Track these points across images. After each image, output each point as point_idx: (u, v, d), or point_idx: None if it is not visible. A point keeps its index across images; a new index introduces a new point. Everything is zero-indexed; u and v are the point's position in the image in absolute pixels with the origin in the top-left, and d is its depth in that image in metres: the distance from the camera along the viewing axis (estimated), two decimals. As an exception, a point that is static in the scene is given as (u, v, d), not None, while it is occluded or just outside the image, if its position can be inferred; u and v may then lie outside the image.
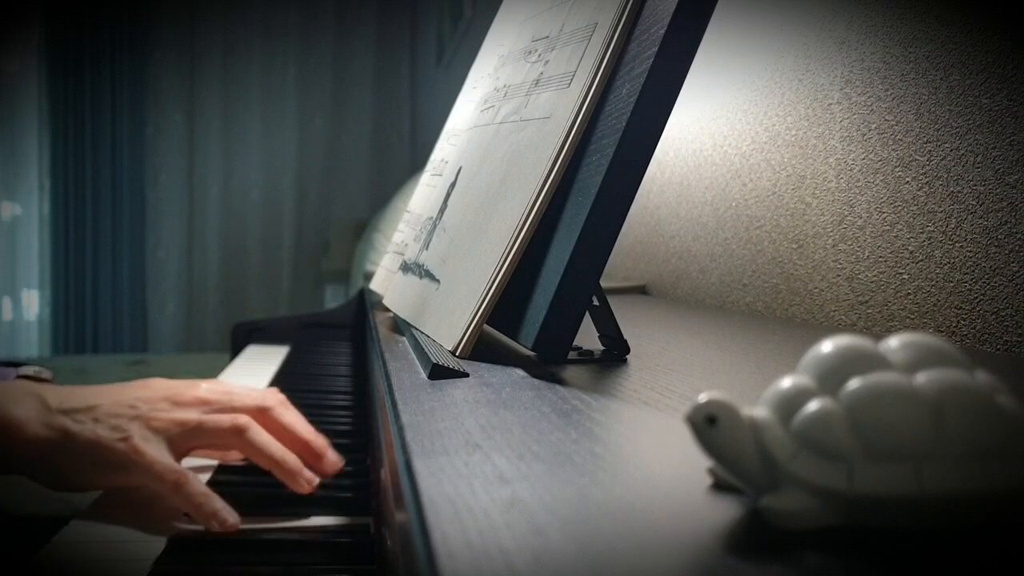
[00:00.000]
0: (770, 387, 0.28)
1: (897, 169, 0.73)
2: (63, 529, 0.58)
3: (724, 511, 0.27)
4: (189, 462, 0.67)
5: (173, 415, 0.64)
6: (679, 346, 0.65)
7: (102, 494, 0.65)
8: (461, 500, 0.28)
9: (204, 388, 0.68)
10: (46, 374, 0.77)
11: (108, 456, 0.61)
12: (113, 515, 0.61)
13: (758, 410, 0.27)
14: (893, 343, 0.28)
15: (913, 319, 0.70)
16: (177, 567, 0.54)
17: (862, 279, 0.77)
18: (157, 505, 0.62)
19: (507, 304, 0.56)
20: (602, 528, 0.26)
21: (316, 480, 0.64)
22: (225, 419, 0.64)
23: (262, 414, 0.66)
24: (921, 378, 0.26)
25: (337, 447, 0.79)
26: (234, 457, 0.71)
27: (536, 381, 0.48)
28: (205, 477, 0.65)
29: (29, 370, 0.76)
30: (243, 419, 0.64)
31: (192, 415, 0.64)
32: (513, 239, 0.56)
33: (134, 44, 4.03)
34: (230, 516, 0.59)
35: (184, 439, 0.63)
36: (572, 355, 0.56)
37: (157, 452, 0.61)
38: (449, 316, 0.60)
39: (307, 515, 0.63)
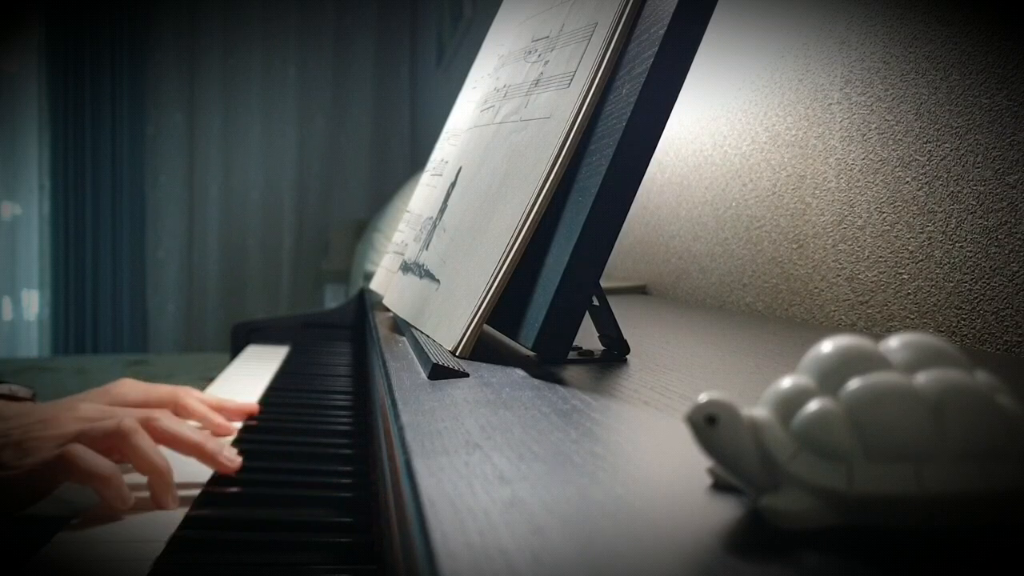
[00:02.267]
0: (770, 387, 0.28)
1: (897, 169, 0.73)
2: (63, 529, 0.58)
3: (724, 511, 0.27)
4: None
5: (47, 432, 0.63)
6: (679, 346, 0.65)
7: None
8: (461, 500, 0.28)
9: (83, 408, 0.67)
10: (23, 392, 0.76)
11: None
12: (113, 515, 0.61)
13: (758, 410, 0.27)
14: (893, 343, 0.28)
15: (913, 319, 0.70)
16: (177, 567, 0.54)
17: (862, 279, 0.77)
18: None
19: (507, 304, 0.56)
20: (602, 528, 0.26)
21: (177, 499, 0.62)
22: (109, 423, 0.63)
23: (145, 424, 0.65)
24: (921, 378, 0.26)
25: (337, 447, 0.79)
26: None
27: (536, 381, 0.48)
28: (195, 492, 0.64)
29: (3, 388, 0.75)
30: (128, 422, 0.63)
31: (70, 429, 0.63)
32: (513, 239, 0.56)
33: (134, 44, 4.03)
34: (127, 497, 0.58)
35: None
36: (572, 355, 0.56)
37: (33, 458, 0.60)
38: (449, 316, 0.60)
39: (306, 515, 0.63)
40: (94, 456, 0.59)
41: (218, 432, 0.80)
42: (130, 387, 0.80)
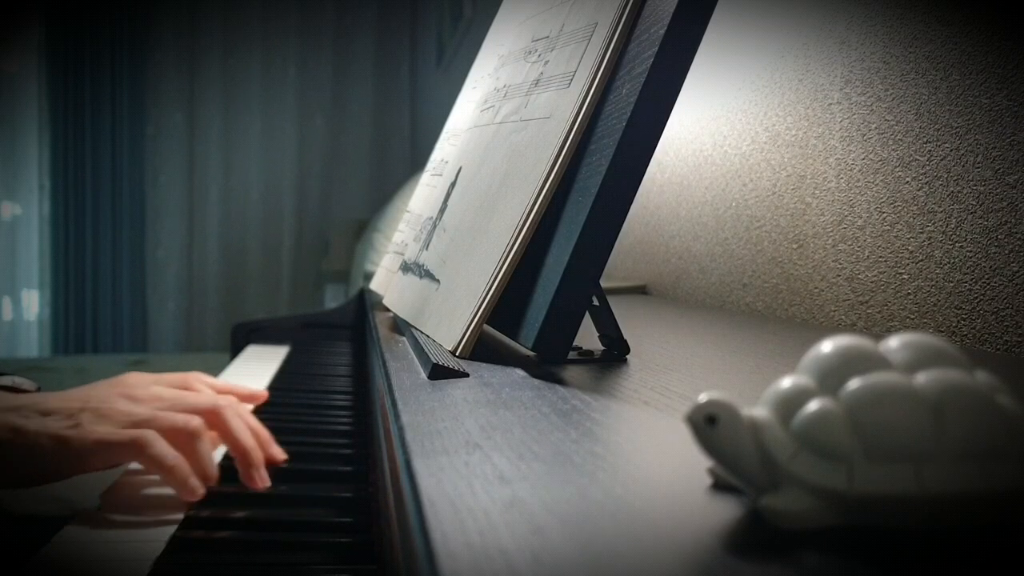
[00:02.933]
0: (770, 387, 0.28)
1: (897, 169, 0.73)
2: (63, 529, 0.58)
3: (724, 511, 0.27)
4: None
5: (125, 407, 0.65)
6: (679, 346, 0.65)
7: (102, 494, 0.65)
8: (461, 500, 0.28)
9: (157, 388, 0.70)
10: (28, 385, 0.76)
11: (58, 443, 0.61)
12: (113, 515, 0.61)
13: (758, 410, 0.27)
14: (893, 343, 0.28)
15: (913, 319, 0.70)
16: (177, 567, 0.54)
17: (862, 279, 0.77)
18: (158, 504, 0.62)
19: (507, 304, 0.56)
20: (602, 528, 0.26)
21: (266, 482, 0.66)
22: (179, 418, 0.64)
23: (214, 415, 0.67)
24: (921, 378, 0.26)
25: (337, 447, 0.79)
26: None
27: (536, 381, 0.48)
28: None
29: (7, 380, 0.75)
30: (196, 422, 0.64)
31: (143, 410, 0.65)
32: (513, 239, 0.56)
33: (134, 44, 4.03)
34: (198, 489, 0.61)
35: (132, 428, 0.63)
36: (572, 355, 0.56)
37: (107, 429, 0.62)
38: (449, 316, 0.60)
39: (306, 515, 0.63)
40: (163, 446, 0.61)
41: None
42: (137, 380, 0.80)
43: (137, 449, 0.61)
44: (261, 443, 0.69)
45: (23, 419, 0.62)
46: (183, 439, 0.64)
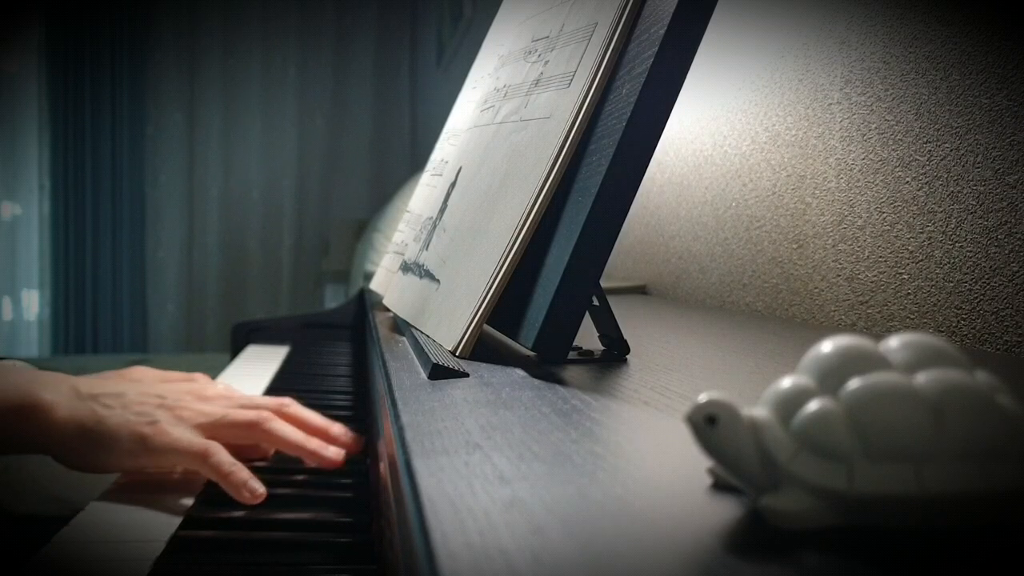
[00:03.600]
0: (770, 387, 0.28)
1: (897, 169, 0.73)
2: (63, 529, 0.58)
3: (724, 511, 0.27)
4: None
5: (198, 407, 0.68)
6: (679, 346, 0.65)
7: (102, 494, 0.65)
8: (461, 500, 0.28)
9: (224, 386, 0.75)
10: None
11: (136, 439, 0.64)
12: (114, 514, 0.61)
13: (758, 410, 0.27)
14: (893, 343, 0.28)
15: (913, 319, 0.70)
16: (177, 567, 0.54)
17: (862, 279, 0.77)
18: (158, 504, 0.62)
19: (507, 304, 0.56)
20: (602, 528, 0.26)
21: (342, 454, 0.70)
22: (250, 412, 0.68)
23: (280, 410, 0.71)
24: (921, 378, 0.26)
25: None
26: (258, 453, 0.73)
27: (536, 381, 0.48)
28: (195, 492, 0.66)
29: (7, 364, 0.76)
30: (265, 413, 0.69)
31: (216, 408, 0.69)
32: (513, 239, 0.56)
33: (134, 44, 4.03)
34: (258, 486, 0.63)
35: (209, 429, 0.67)
36: (572, 355, 0.56)
37: (182, 433, 0.65)
38: (449, 316, 0.60)
39: (306, 515, 0.63)
40: (223, 456, 0.64)
41: None
42: (142, 375, 0.80)
43: (201, 458, 0.64)
44: (317, 428, 0.72)
45: (106, 409, 0.65)
46: (252, 428, 0.68)
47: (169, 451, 0.64)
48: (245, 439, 0.69)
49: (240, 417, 0.68)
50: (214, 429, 0.67)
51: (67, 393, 0.65)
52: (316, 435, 0.70)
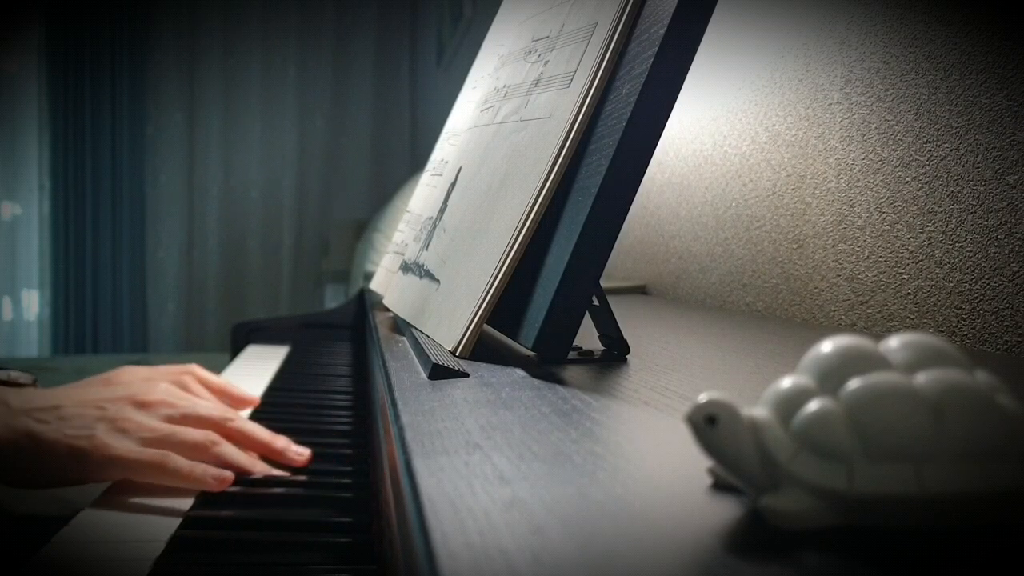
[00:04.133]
0: (770, 387, 0.28)
1: (897, 169, 0.73)
2: (63, 529, 0.58)
3: (724, 511, 0.27)
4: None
5: (140, 420, 0.66)
6: (679, 346, 0.65)
7: (102, 494, 0.65)
8: (461, 500, 0.28)
9: (163, 389, 0.70)
10: (24, 379, 0.76)
11: (74, 453, 0.62)
12: (113, 515, 0.61)
13: (758, 410, 0.27)
14: (893, 343, 0.28)
15: (913, 319, 0.70)
16: (177, 567, 0.54)
17: (862, 279, 0.77)
18: (158, 504, 0.62)
19: (507, 304, 0.56)
20: (602, 528, 0.26)
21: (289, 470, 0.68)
22: (197, 434, 0.66)
23: (224, 425, 0.69)
24: (921, 378, 0.26)
25: (337, 447, 0.79)
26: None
27: (536, 381, 0.48)
28: (195, 493, 0.65)
29: (3, 375, 0.75)
30: (213, 435, 0.67)
31: (160, 426, 0.66)
32: (513, 239, 0.56)
33: (134, 44, 4.03)
34: (222, 472, 0.63)
35: (154, 446, 0.64)
36: (572, 355, 0.56)
37: (125, 445, 0.63)
38: (449, 316, 0.60)
39: (306, 515, 0.63)
40: (180, 461, 0.63)
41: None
42: (131, 376, 0.80)
43: (157, 469, 0.62)
44: (263, 443, 0.70)
45: (40, 424, 0.63)
46: (201, 451, 0.65)
47: (114, 464, 0.62)
48: (189, 458, 0.65)
49: (187, 438, 0.66)
50: (160, 446, 0.64)
51: None
52: (259, 450, 0.69)
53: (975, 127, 0.64)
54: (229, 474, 0.63)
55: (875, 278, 0.75)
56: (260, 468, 0.68)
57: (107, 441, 0.63)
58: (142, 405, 0.67)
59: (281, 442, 0.70)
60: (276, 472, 0.68)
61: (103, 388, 0.70)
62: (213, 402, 0.76)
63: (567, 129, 0.56)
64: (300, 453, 0.70)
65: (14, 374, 0.77)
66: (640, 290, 1.27)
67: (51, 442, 0.62)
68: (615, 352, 0.57)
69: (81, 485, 0.64)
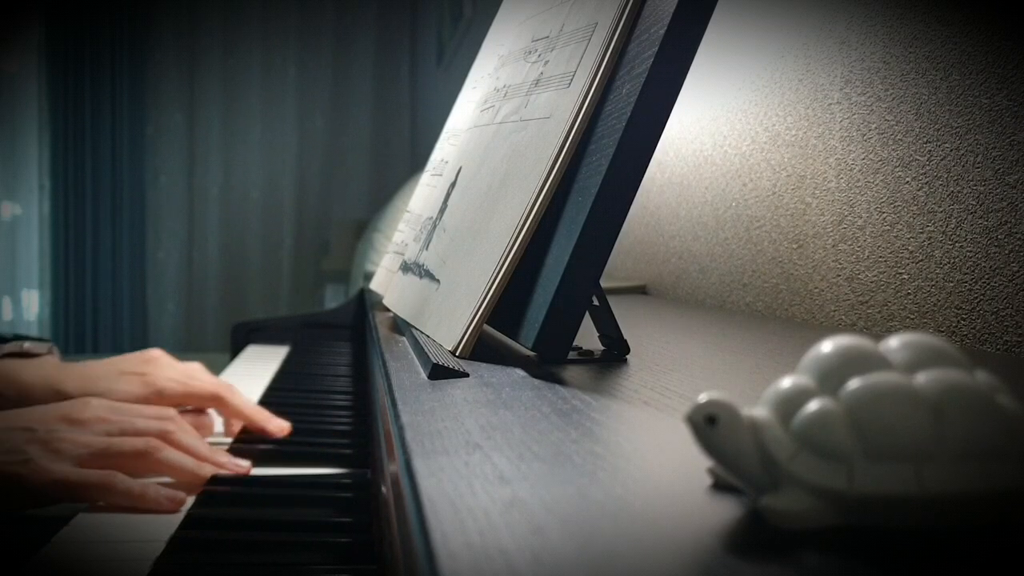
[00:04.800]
0: (770, 387, 0.28)
1: (897, 169, 0.73)
2: (63, 529, 0.58)
3: (724, 511, 0.27)
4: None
5: (74, 436, 0.62)
6: (679, 346, 0.65)
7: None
8: (461, 500, 0.28)
9: (95, 405, 0.67)
10: (40, 348, 0.76)
11: (8, 480, 0.58)
12: (114, 515, 0.61)
13: (758, 410, 0.27)
14: (893, 343, 0.28)
15: (913, 319, 0.70)
16: (177, 567, 0.54)
17: (862, 279, 0.77)
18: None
19: (507, 304, 0.56)
20: (602, 528, 0.26)
21: (243, 467, 0.68)
22: (137, 442, 0.64)
23: (164, 437, 0.66)
24: (921, 378, 0.26)
25: (337, 447, 0.79)
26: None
27: (536, 381, 0.48)
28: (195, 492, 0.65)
29: (14, 347, 0.74)
30: (154, 441, 0.64)
31: (96, 439, 0.63)
32: (513, 239, 0.56)
33: (134, 44, 4.03)
34: (176, 493, 0.61)
35: (92, 461, 0.62)
36: (572, 355, 0.56)
37: (64, 467, 0.60)
38: (449, 316, 0.60)
39: (306, 515, 0.63)
40: (127, 481, 0.60)
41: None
42: (167, 366, 0.80)
43: (104, 490, 0.60)
44: (204, 456, 0.68)
45: None
46: (144, 458, 0.63)
47: (54, 488, 0.59)
48: (132, 469, 0.63)
49: (126, 447, 0.63)
50: (97, 461, 0.61)
51: None
52: (185, 478, 0.66)
53: (975, 127, 0.64)
54: (183, 495, 0.61)
55: (875, 278, 0.75)
56: (207, 471, 0.66)
57: (43, 464, 0.59)
58: (74, 423, 0.64)
59: (223, 456, 0.68)
60: (224, 472, 0.66)
61: (28, 412, 0.65)
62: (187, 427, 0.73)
63: (567, 129, 0.56)
64: (239, 464, 0.69)
65: (27, 344, 0.77)
66: (640, 290, 1.27)
67: None
68: (615, 352, 0.57)
69: (20, 512, 0.61)
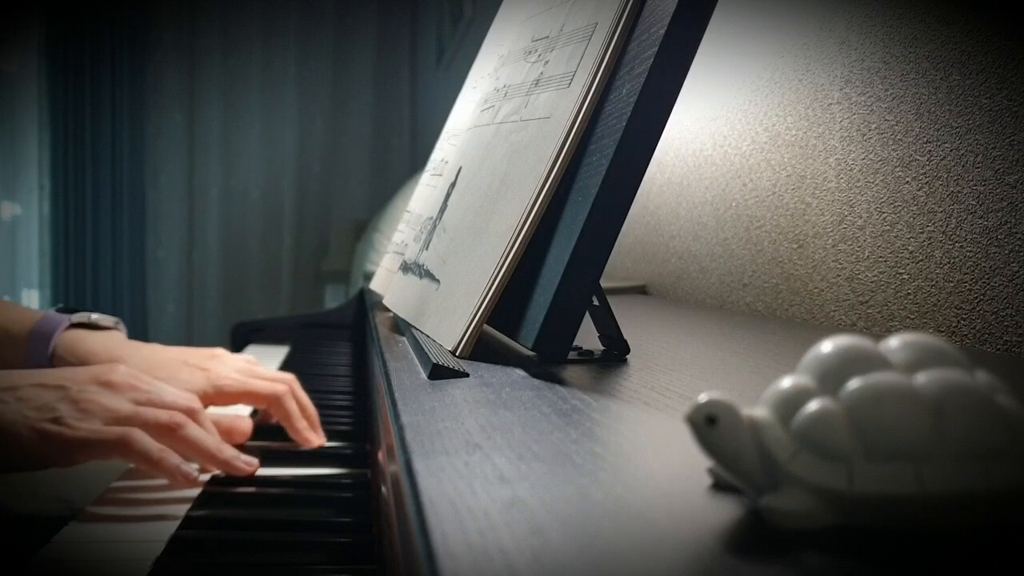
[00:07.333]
0: (770, 387, 0.28)
1: (897, 169, 0.73)
2: (63, 529, 0.58)
3: (724, 511, 0.27)
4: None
5: (104, 401, 0.63)
6: (679, 346, 0.65)
7: (102, 493, 0.65)
8: (461, 500, 0.28)
9: (123, 371, 0.67)
10: (107, 321, 0.77)
11: (38, 436, 0.59)
12: (113, 515, 0.61)
13: (758, 410, 0.27)
14: (893, 343, 0.28)
15: (913, 319, 0.70)
16: (177, 567, 0.54)
17: (862, 279, 0.77)
18: (158, 504, 0.62)
19: (507, 304, 0.56)
20: (602, 528, 0.26)
21: (255, 462, 0.68)
22: (162, 414, 0.64)
23: (190, 415, 0.66)
24: (921, 378, 0.26)
25: (337, 447, 0.79)
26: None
27: (536, 381, 0.48)
28: (195, 492, 0.65)
29: (82, 316, 0.75)
30: (180, 416, 0.64)
31: (125, 405, 0.63)
32: (513, 239, 0.56)
33: (134, 44, 4.03)
34: (191, 471, 0.61)
35: (115, 425, 0.62)
36: (572, 355, 0.56)
37: (92, 425, 0.61)
38: (449, 316, 0.60)
39: (306, 515, 0.63)
40: (148, 441, 0.61)
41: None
42: (229, 364, 0.80)
43: (123, 447, 0.60)
44: (215, 461, 0.67)
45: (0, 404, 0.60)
46: (167, 433, 0.63)
47: (80, 446, 0.59)
48: (155, 438, 0.63)
49: (152, 417, 0.63)
50: (123, 426, 0.62)
51: None
52: (205, 462, 0.66)
53: (975, 127, 0.64)
54: (196, 475, 0.61)
55: (875, 278, 0.75)
56: (228, 453, 0.66)
57: (72, 423, 0.60)
58: (107, 385, 0.65)
59: (228, 451, 0.68)
60: (240, 464, 0.67)
61: (64, 371, 0.67)
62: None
63: (567, 129, 0.56)
64: (250, 463, 0.68)
65: (95, 316, 0.78)
66: (640, 290, 1.27)
67: (11, 423, 0.59)
68: (615, 352, 0.57)
69: (43, 470, 0.61)
